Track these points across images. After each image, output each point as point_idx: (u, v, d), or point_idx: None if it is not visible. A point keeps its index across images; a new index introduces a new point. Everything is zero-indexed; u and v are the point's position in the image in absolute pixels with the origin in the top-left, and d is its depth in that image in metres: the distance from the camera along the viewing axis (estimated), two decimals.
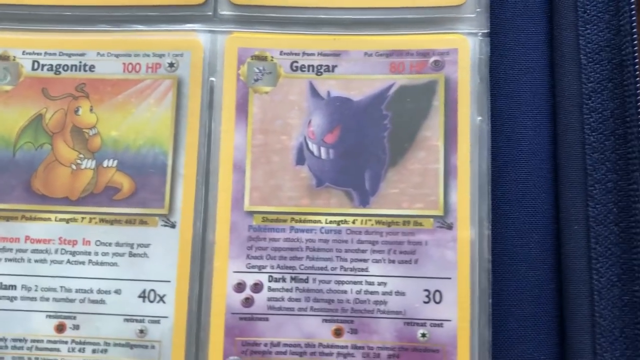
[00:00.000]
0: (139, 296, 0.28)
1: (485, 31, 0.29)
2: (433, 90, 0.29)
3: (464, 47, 0.29)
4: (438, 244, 0.28)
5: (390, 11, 0.30)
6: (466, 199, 0.28)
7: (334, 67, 0.29)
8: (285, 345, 0.28)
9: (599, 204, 0.28)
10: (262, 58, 0.30)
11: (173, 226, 0.29)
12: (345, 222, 0.28)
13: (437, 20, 0.30)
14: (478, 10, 0.29)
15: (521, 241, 0.29)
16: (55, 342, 0.28)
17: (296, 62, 0.30)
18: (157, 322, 0.28)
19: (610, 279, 0.27)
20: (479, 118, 0.29)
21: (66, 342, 0.28)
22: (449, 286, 0.28)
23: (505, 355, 0.27)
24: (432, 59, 0.29)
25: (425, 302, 0.27)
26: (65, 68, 0.30)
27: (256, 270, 0.28)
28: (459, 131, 0.28)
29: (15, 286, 0.28)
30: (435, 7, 0.29)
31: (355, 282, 0.28)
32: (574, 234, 0.28)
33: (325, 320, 0.28)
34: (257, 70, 0.30)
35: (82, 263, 0.28)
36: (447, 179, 0.28)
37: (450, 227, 0.28)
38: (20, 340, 0.28)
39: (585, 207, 0.28)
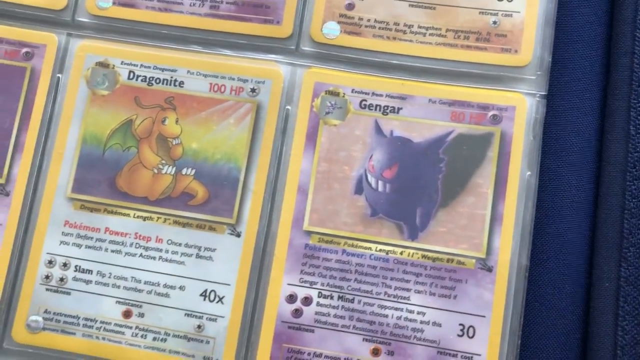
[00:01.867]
0: (201, 295, 0.31)
1: (543, 93, 0.32)
2: (489, 142, 0.31)
3: (522, 106, 0.32)
4: (477, 284, 0.30)
5: (457, 64, 0.32)
6: (508, 245, 0.30)
7: (399, 109, 0.32)
8: (327, 357, 0.30)
9: (632, 266, 0.30)
10: (335, 93, 0.32)
11: (238, 235, 0.31)
12: (394, 252, 0.31)
13: (500, 77, 0.32)
14: (539, 73, 0.32)
15: (554, 290, 0.31)
16: (121, 326, 0.31)
17: (365, 100, 0.32)
18: (214, 320, 0.31)
19: (634, 337, 0.29)
20: (528, 173, 0.31)
21: (131, 328, 0.31)
22: (482, 323, 0.30)
23: None
24: (491, 113, 0.32)
25: (459, 335, 0.30)
26: (157, 81, 0.33)
27: (308, 285, 0.31)
28: (508, 182, 0.31)
29: (91, 271, 0.32)
30: (499, 65, 0.32)
31: (396, 308, 0.30)
32: (604, 291, 0.30)
33: (366, 340, 0.30)
34: (329, 104, 0.32)
35: (153, 258, 0.32)
36: (492, 225, 0.31)
37: (490, 269, 0.30)
38: (91, 320, 0.31)
39: (618, 267, 0.30)
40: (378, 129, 0.32)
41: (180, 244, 0.32)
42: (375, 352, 0.30)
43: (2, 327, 0.31)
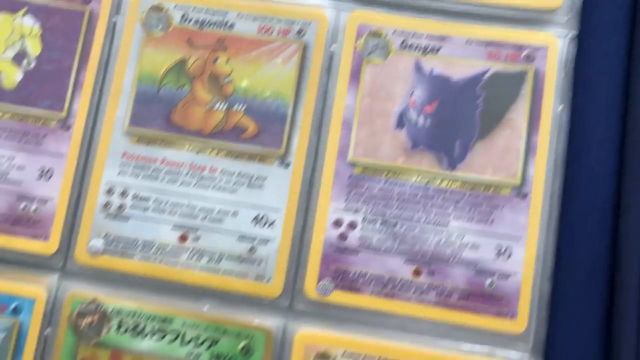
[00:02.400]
0: (253, 220, 0.33)
1: (574, 33, 0.34)
2: (523, 79, 0.33)
3: (554, 46, 0.33)
4: (513, 209, 0.32)
5: (492, 8, 0.34)
6: (542, 173, 0.32)
7: (438, 49, 0.34)
8: (371, 276, 0.32)
9: None
10: (377, 34, 0.34)
11: (287, 166, 0.33)
12: (434, 181, 0.33)
13: (533, 19, 0.34)
14: (570, 15, 0.34)
15: (584, 217, 0.33)
16: (178, 249, 0.33)
17: (406, 41, 0.34)
18: (266, 243, 0.33)
19: None
20: (560, 106, 0.33)
21: (187, 250, 0.33)
22: (518, 245, 0.32)
23: (562, 309, 0.32)
24: (524, 53, 0.34)
25: (495, 256, 0.32)
26: (209, 23, 0.35)
27: (352, 211, 0.33)
28: (541, 116, 0.33)
29: (149, 199, 0.34)
30: (532, 8, 0.34)
31: (436, 232, 0.32)
32: (633, 216, 0.32)
33: (408, 261, 0.32)
34: (372, 44, 0.34)
35: (207, 187, 0.34)
36: (527, 155, 0.33)
37: (524, 196, 0.32)
38: (148, 244, 0.33)
39: None
40: (419, 68, 0.34)
41: (232, 174, 0.34)
42: (417, 272, 0.32)
43: (66, 250, 0.34)
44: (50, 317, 0.32)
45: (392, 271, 0.32)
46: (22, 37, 0.36)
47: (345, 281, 0.32)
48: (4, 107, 0.35)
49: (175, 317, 0.32)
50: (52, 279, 0.33)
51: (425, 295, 0.32)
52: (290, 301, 0.32)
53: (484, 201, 0.32)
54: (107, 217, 0.34)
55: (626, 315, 0.31)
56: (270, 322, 0.32)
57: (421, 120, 0.34)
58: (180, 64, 0.35)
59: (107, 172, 0.34)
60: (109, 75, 0.35)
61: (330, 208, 0.33)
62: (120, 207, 0.34)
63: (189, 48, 0.35)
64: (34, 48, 0.36)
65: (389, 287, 0.32)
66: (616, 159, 0.33)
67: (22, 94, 0.35)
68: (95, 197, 0.34)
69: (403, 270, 0.32)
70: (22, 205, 0.34)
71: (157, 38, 0.35)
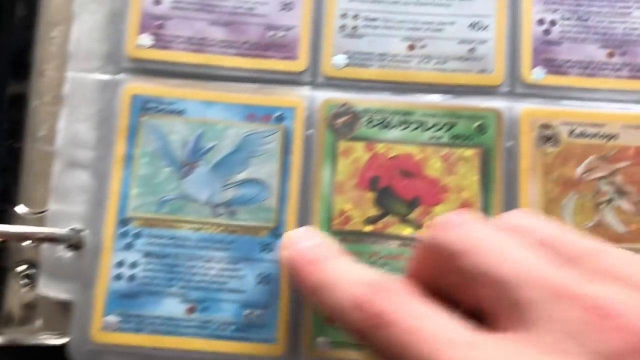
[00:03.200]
0: (469, 26, 0.39)
1: None
2: None
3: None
4: None
5: None
6: None
7: None
8: (573, 62, 0.39)
9: None
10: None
11: None
12: None
13: None
14: None
15: None
16: (407, 57, 0.39)
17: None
18: (483, 43, 0.39)
19: None
20: None
21: (415, 57, 0.39)
22: None
23: None
24: None
25: None
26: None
27: (552, 11, 0.39)
28: None
29: (377, 19, 0.40)
30: None
31: (623, 21, 0.39)
32: None
33: (602, 46, 0.39)
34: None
35: (426, 4, 0.40)
36: None
37: None
38: (382, 55, 0.39)
39: None
40: None
41: None
42: (610, 55, 0.39)
43: (313, 67, 0.39)
44: (309, 121, 0.39)
45: (590, 56, 0.39)
46: None
47: (553, 67, 0.39)
48: None
49: (415, 110, 0.39)
50: (305, 90, 0.39)
51: (619, 72, 0.39)
52: (511, 87, 0.39)
53: None
54: (344, 36, 0.40)
55: None
56: (497, 104, 0.39)
57: None
58: None
59: (339, 0, 0.40)
60: None
61: (533, 9, 0.40)
62: (354, 28, 0.40)
63: None
64: None
65: (589, 68, 0.39)
66: None
67: None
68: (332, 21, 0.40)
69: (599, 54, 0.39)
70: (270, 34, 0.40)
71: None
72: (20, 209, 0.38)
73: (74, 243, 0.36)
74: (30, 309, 0.38)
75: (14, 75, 0.40)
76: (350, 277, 0.28)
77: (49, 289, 0.37)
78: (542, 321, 0.22)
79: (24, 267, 0.38)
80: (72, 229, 0.36)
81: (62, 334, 0.37)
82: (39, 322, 0.38)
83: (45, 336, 0.37)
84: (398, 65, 0.39)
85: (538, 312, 0.22)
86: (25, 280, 0.38)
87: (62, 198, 0.37)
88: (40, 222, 0.38)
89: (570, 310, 0.21)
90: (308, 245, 0.32)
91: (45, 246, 0.37)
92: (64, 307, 0.37)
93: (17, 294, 0.38)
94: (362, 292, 0.26)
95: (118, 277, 0.37)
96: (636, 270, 0.23)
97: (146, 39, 0.39)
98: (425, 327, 0.24)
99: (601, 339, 0.21)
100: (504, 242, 0.25)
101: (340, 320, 0.27)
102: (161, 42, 0.39)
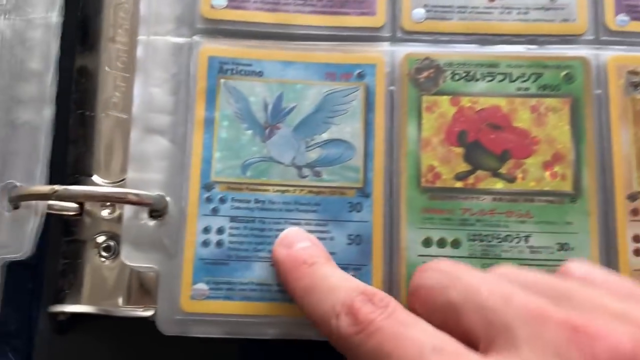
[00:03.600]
0: None
1: None
2: None
3: None
4: None
5: None
6: None
7: None
8: None
9: None
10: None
11: None
12: None
13: None
14: None
15: None
16: (488, 8, 0.38)
17: None
18: None
19: None
20: None
21: (497, 8, 0.38)
22: None
23: None
24: None
25: None
26: None
27: None
28: None
29: None
30: None
31: None
32: None
33: None
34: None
35: None
36: None
37: None
38: (462, 7, 0.38)
39: None
40: None
41: None
42: None
43: (392, 21, 0.38)
44: (391, 77, 0.38)
45: None
46: None
47: (637, 13, 0.38)
48: None
49: (500, 62, 0.38)
50: (385, 46, 0.38)
51: None
52: (595, 35, 0.38)
53: None
54: None
55: None
56: (583, 52, 0.38)
57: None
58: None
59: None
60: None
61: None
62: None
63: None
64: None
65: None
66: None
67: None
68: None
69: None
70: None
71: None
72: (96, 178, 0.37)
73: (159, 209, 0.35)
74: (111, 281, 0.37)
75: (82, 43, 0.39)
76: (344, 284, 0.29)
77: (133, 260, 0.35)
78: (526, 342, 0.22)
79: (103, 238, 0.37)
80: (157, 194, 0.35)
81: (146, 307, 0.36)
82: (120, 295, 0.36)
83: (129, 308, 0.36)
84: (479, 16, 0.38)
85: (521, 334, 0.23)
86: (105, 253, 0.36)
87: (141, 165, 0.36)
88: None
89: (553, 331, 0.22)
90: (303, 247, 0.33)
91: (126, 215, 0.35)
92: (146, 280, 0.36)
93: (97, 267, 0.37)
94: (356, 298, 0.27)
95: (205, 243, 0.35)
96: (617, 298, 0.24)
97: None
98: (412, 334, 0.24)
99: (584, 355, 0.21)
100: (484, 275, 0.27)
101: (327, 325, 0.28)
102: (235, 2, 0.38)
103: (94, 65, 0.38)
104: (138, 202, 0.33)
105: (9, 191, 0.34)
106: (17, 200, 0.34)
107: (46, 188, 0.32)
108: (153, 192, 0.35)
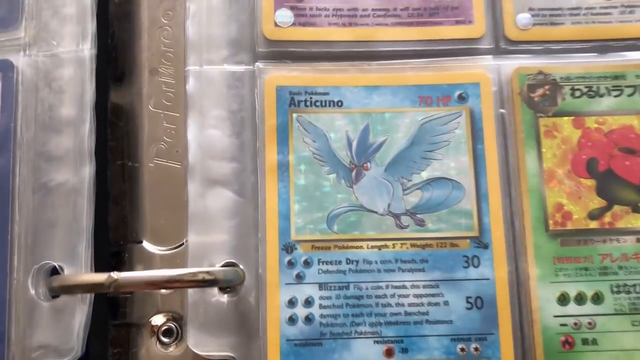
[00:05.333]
0: None
1: None
2: None
3: None
4: None
5: None
6: None
7: None
8: None
9: None
10: None
11: None
12: None
13: None
14: None
15: None
16: (604, 8, 0.32)
17: None
18: None
19: None
20: None
21: (616, 9, 0.32)
22: None
23: None
24: None
25: None
26: None
27: None
28: None
29: None
30: None
31: None
32: None
33: None
34: None
35: None
36: None
37: None
38: (575, 9, 0.32)
39: None
40: None
41: None
42: None
43: (493, 30, 0.32)
44: (499, 97, 0.31)
45: None
46: None
47: None
48: None
49: (626, 72, 0.31)
50: (488, 60, 0.31)
51: None
52: None
53: None
54: None
55: None
56: None
57: None
58: None
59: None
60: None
61: None
62: None
63: None
64: None
65: None
66: None
67: None
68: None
69: None
70: None
71: None
72: (148, 245, 0.30)
73: (231, 282, 0.28)
74: None
75: (115, 76, 0.32)
76: None
77: (202, 346, 0.28)
78: None
79: (161, 320, 0.29)
80: (227, 265, 0.28)
81: None
82: None
83: None
84: (595, 19, 0.32)
85: None
86: (165, 338, 0.29)
87: (204, 226, 0.29)
88: (174, 261, 0.30)
89: None
90: None
91: (191, 290, 0.28)
92: None
93: (156, 356, 0.30)
94: None
95: (291, 320, 0.29)
96: None
97: (286, 15, 0.31)
98: None
99: None
100: None
101: None
102: (304, 18, 0.31)
103: (133, 104, 0.31)
104: (211, 282, 0.26)
105: (46, 275, 0.26)
106: (62, 292, 0.26)
107: (101, 277, 0.24)
108: (221, 260, 0.29)
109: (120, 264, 0.30)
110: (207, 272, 0.26)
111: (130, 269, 0.30)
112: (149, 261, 0.30)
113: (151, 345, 0.29)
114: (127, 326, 0.29)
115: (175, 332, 0.29)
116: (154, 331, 0.29)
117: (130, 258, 0.30)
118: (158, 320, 0.29)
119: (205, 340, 0.28)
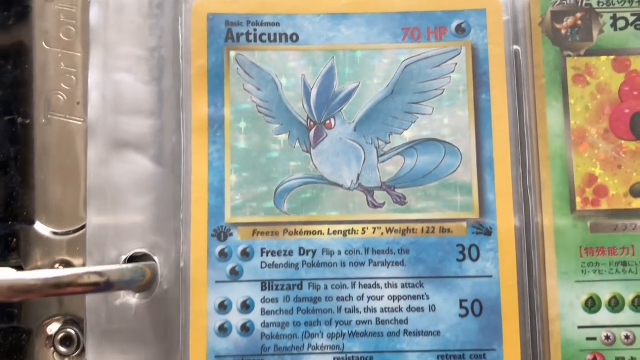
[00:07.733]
0: None
1: None
2: None
3: None
4: None
5: None
6: None
7: None
8: None
9: None
10: None
11: None
12: None
13: None
14: None
15: None
16: None
17: None
18: None
19: None
20: None
21: None
22: None
23: None
24: None
25: None
26: None
27: None
28: None
29: None
30: None
31: None
32: None
33: None
34: None
35: None
36: None
37: None
38: None
39: None
40: None
41: None
42: None
43: None
44: (513, 27, 0.23)
45: None
46: None
47: None
48: None
49: None
50: None
51: None
52: None
53: None
54: None
55: None
56: None
57: None
58: None
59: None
60: None
61: None
62: None
63: None
64: None
65: None
66: None
67: None
68: None
69: None
70: None
71: None
72: (40, 227, 0.24)
73: (131, 285, 0.21)
74: None
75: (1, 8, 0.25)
76: None
77: (104, 358, 0.22)
78: None
79: (57, 326, 0.23)
80: (136, 256, 0.21)
81: None
82: None
83: None
84: None
85: None
86: (63, 348, 0.23)
87: (107, 204, 0.22)
88: (74, 249, 0.23)
89: None
90: None
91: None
92: None
93: None
94: None
95: (222, 330, 0.22)
96: None
97: None
98: None
99: None
100: None
101: None
102: None
103: (22, 40, 0.24)
104: (103, 286, 0.19)
105: None
106: None
107: None
108: (126, 251, 0.22)
109: (7, 252, 0.23)
110: (97, 273, 0.19)
111: (20, 257, 0.23)
112: (44, 248, 0.23)
113: (45, 354, 0.23)
114: (17, 332, 0.23)
115: (76, 340, 0.23)
116: (49, 339, 0.23)
117: (19, 243, 0.23)
118: (53, 327, 0.23)
119: (110, 355, 0.22)
